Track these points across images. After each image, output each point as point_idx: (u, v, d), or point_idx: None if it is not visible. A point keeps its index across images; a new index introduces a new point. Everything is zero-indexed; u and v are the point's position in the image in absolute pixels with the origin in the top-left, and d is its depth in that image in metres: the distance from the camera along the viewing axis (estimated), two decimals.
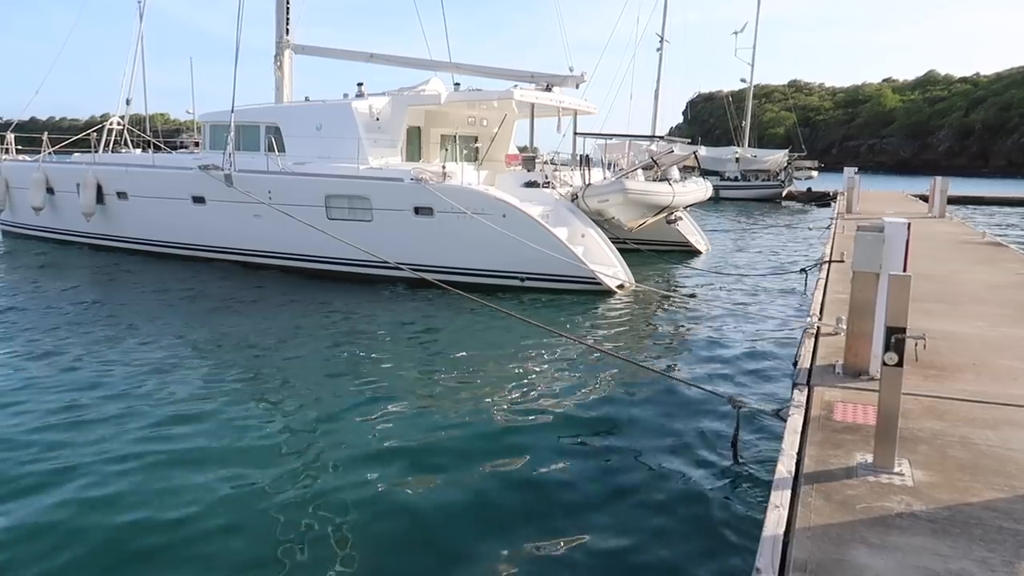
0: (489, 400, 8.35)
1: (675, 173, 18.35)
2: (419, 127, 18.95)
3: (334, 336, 11.23)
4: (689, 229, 20.77)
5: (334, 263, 15.96)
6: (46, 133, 22.58)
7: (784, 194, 47.96)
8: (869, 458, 4.70)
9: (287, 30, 20.15)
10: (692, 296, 15.12)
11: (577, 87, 17.86)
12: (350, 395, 8.44)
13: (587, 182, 16.83)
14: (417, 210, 15.21)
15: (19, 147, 24.12)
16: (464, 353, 10.33)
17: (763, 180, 48.75)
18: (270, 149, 16.99)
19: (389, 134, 17.37)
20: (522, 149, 20.87)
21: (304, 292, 14.80)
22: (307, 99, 18.76)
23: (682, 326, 12.50)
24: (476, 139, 19.87)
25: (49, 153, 22.05)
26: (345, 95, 17.99)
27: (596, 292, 14.52)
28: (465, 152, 18.81)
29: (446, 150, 18.10)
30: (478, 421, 7.65)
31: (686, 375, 9.41)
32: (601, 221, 16.42)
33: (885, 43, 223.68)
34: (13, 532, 5.38)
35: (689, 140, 28.84)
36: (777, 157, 49.43)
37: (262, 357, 10.08)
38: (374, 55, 19.89)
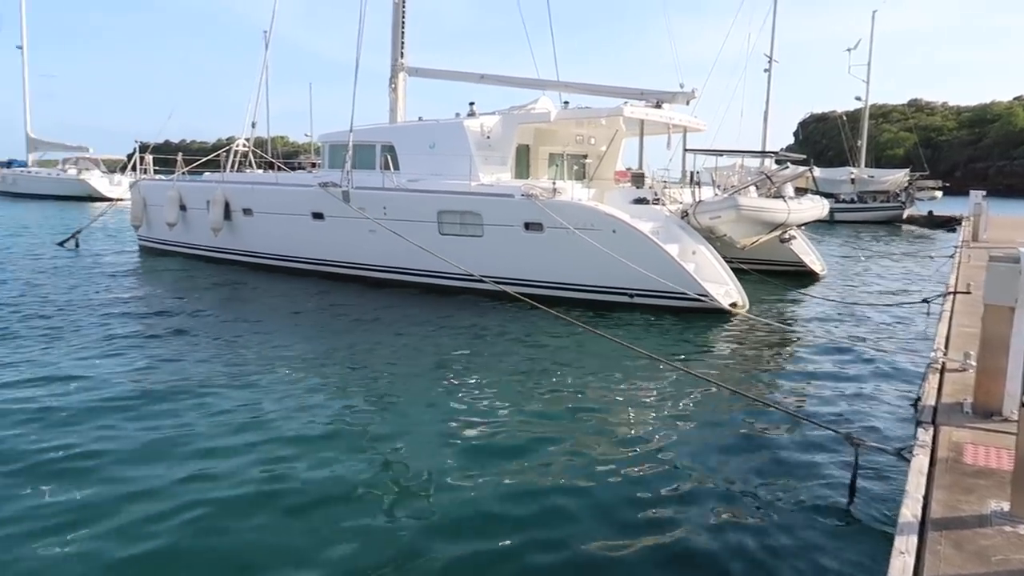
0: (586, 427, 8.20)
1: (789, 190, 17.74)
2: (528, 145, 19.10)
3: (439, 354, 11.30)
4: (803, 249, 20.00)
5: (447, 278, 16.17)
6: (180, 154, 23.99)
7: (905, 216, 45.59)
8: (1005, 506, 4.36)
9: (402, 54, 20.81)
10: (806, 323, 14.53)
11: (688, 103, 17.61)
12: (450, 416, 8.45)
13: (697, 199, 16.50)
14: (527, 225, 15.34)
15: (156, 168, 25.81)
16: (563, 375, 10.23)
17: (881, 202, 46.55)
18: (385, 167, 17.47)
19: (499, 152, 17.60)
20: (629, 169, 20.69)
21: (413, 306, 15.11)
22: (420, 119, 19.18)
23: (794, 355, 12.02)
24: (584, 156, 19.85)
25: (182, 173, 23.40)
26: (457, 114, 18.34)
27: (705, 314, 14.17)
28: (575, 169, 18.80)
29: (556, 167, 18.17)
30: (572, 447, 7.51)
31: (799, 409, 9.01)
32: (712, 239, 16.06)
33: (1015, 60, 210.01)
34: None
35: (804, 158, 27.83)
36: (897, 177, 47.12)
37: (370, 375, 10.27)
38: (485, 76, 20.22)
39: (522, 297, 12.80)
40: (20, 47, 65.48)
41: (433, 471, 6.80)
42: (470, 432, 7.85)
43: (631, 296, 14.78)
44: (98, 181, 56.93)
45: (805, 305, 16.52)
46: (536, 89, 19.81)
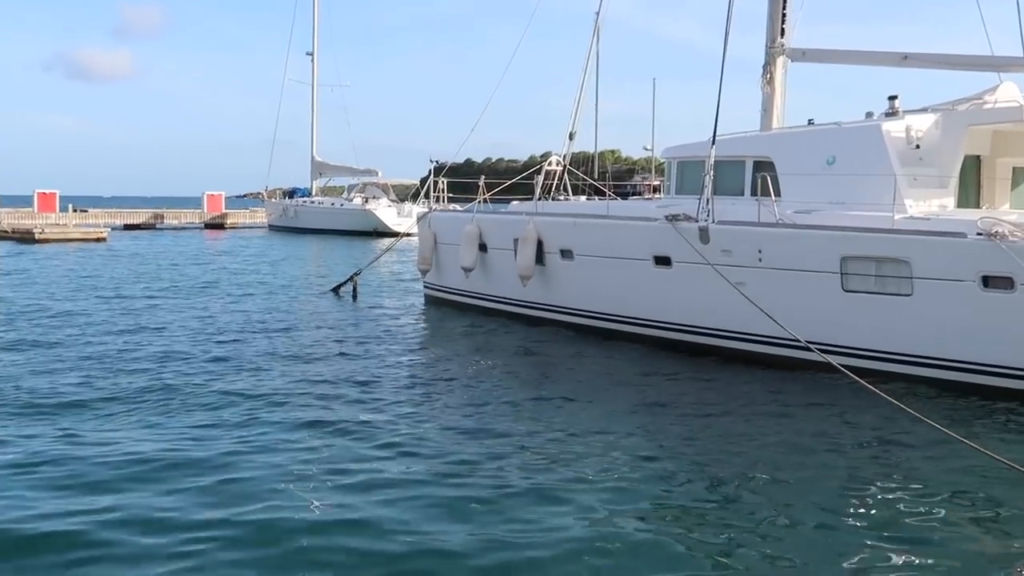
0: None
1: None
2: (979, 156, 17.03)
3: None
4: None
5: (857, 355, 14.72)
6: (482, 177, 24.57)
7: None
8: None
9: (782, 31, 19.93)
10: None
11: None
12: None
13: None
14: (987, 280, 13.55)
15: (451, 194, 26.77)
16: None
17: None
18: (761, 192, 16.38)
19: (936, 168, 16.05)
20: None
21: (807, 396, 13.76)
22: (811, 123, 18.26)
23: None
24: None
25: (483, 201, 23.89)
26: (868, 114, 17.10)
27: None
28: None
29: None
30: None
31: None
32: None
33: None
34: None
35: None
36: None
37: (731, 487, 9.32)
38: (909, 56, 18.68)
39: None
40: (310, 54, 74.55)
41: None
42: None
43: None
44: (384, 212, 62.76)
45: None
46: (990, 71, 17.89)
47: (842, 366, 14.13)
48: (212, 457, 10.27)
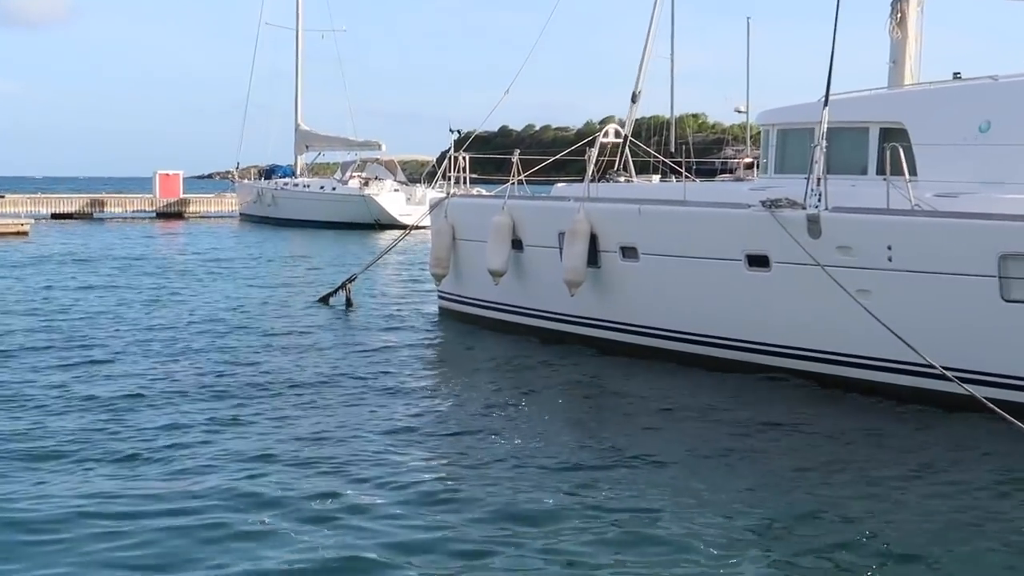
0: None
1: None
2: None
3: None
4: None
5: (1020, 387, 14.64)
6: (517, 152, 24.41)
7: None
8: None
9: None
10: None
11: None
12: None
13: None
14: None
15: (476, 175, 26.66)
16: None
17: None
18: (890, 170, 16.19)
19: None
20: None
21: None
22: (957, 76, 18.25)
23: None
24: None
25: (518, 183, 23.74)
26: None
27: None
28: None
29: None
30: None
31: None
32: None
33: None
34: None
35: None
36: None
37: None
38: None
39: None
40: None
41: None
42: None
43: None
44: (389, 198, 63.33)
45: None
46: None
47: (997, 402, 13.95)
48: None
